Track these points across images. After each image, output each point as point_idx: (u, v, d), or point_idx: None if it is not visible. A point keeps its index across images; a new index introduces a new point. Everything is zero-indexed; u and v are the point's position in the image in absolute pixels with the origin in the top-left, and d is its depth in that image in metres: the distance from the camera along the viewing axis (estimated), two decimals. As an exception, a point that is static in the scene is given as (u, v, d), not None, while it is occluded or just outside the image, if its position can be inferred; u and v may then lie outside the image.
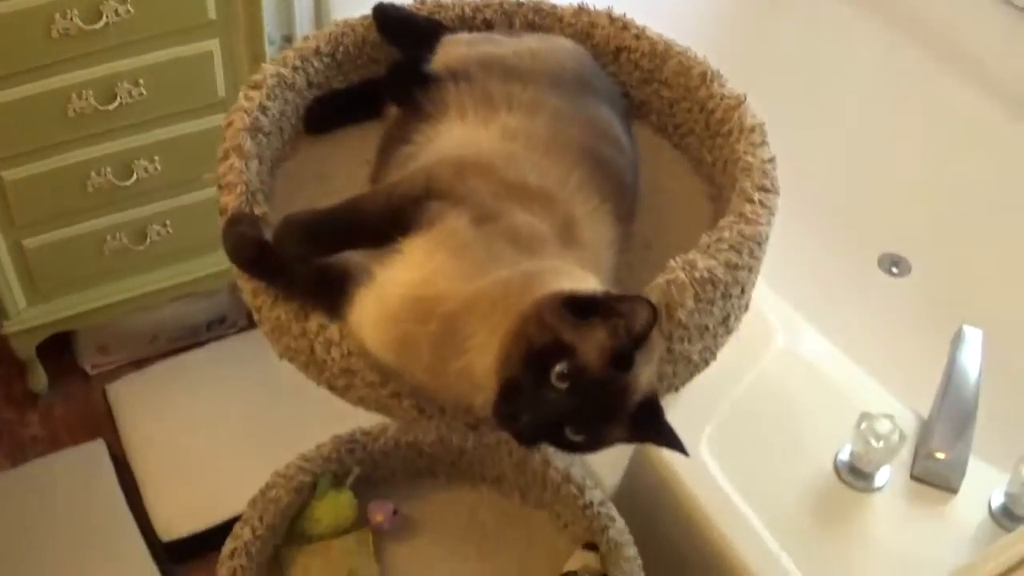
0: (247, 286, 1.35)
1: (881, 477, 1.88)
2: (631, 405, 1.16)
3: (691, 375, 1.38)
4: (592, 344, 1.13)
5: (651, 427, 1.21)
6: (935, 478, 1.88)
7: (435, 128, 1.42)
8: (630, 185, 1.45)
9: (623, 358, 1.14)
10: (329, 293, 1.28)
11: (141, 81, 2.25)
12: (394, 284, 1.22)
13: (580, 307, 1.14)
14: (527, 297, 1.15)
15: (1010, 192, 2.72)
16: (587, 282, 1.19)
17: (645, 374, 1.17)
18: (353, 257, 1.26)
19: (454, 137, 1.40)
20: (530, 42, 1.59)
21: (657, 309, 1.12)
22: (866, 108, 3.04)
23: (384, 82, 1.61)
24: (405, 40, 1.65)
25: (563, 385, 1.12)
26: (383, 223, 1.25)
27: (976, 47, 2.77)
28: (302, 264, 1.29)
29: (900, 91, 2.95)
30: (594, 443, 1.18)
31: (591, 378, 1.13)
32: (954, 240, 2.83)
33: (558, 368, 1.12)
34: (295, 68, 1.56)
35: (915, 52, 2.87)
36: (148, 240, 2.52)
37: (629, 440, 1.20)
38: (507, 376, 1.14)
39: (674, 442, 1.22)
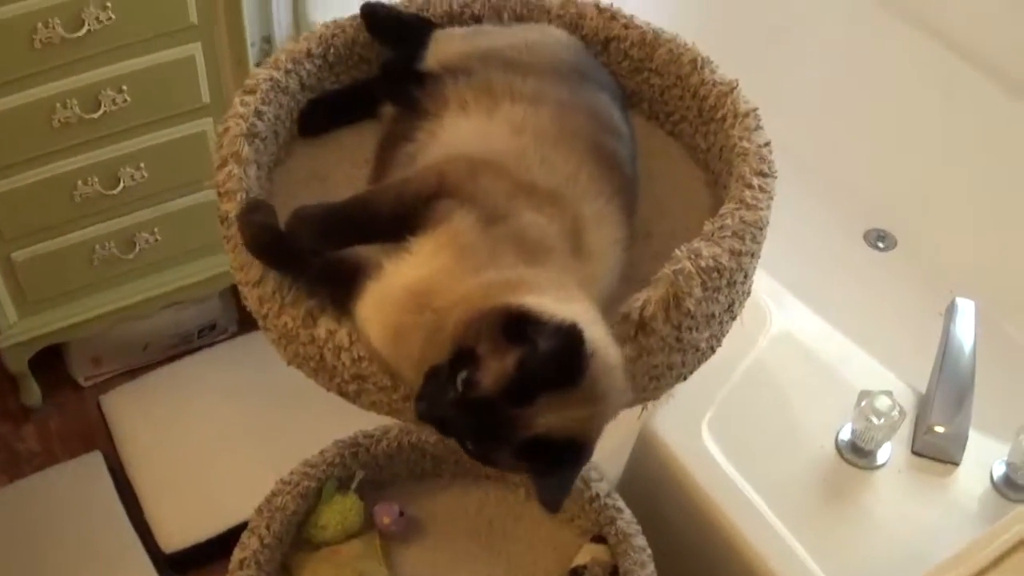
0: (252, 293, 1.35)
1: (883, 454, 1.89)
2: (518, 438, 1.13)
3: (699, 363, 1.39)
4: (496, 366, 1.12)
5: (541, 468, 1.18)
6: (936, 452, 1.89)
7: (437, 123, 1.42)
8: (632, 176, 1.46)
9: (519, 391, 1.12)
10: (341, 284, 1.29)
11: (125, 88, 2.24)
12: (399, 277, 1.23)
13: (515, 327, 1.13)
14: (495, 302, 1.15)
15: (992, 161, 2.74)
16: (571, 303, 1.18)
17: (552, 415, 1.13)
18: (366, 250, 1.27)
19: (460, 131, 1.40)
20: (524, 33, 1.60)
21: (585, 363, 1.11)
22: (842, 81, 3.05)
23: (378, 82, 1.61)
24: (394, 38, 1.65)
25: (459, 393, 1.13)
26: (393, 220, 1.26)
27: (957, 16, 2.77)
28: (316, 254, 1.30)
29: (880, 63, 2.96)
30: (480, 457, 1.18)
31: (477, 398, 1.12)
32: (938, 211, 2.84)
33: (461, 375, 1.12)
34: (287, 71, 1.55)
35: (896, 22, 2.88)
36: (137, 248, 2.51)
37: (519, 471, 1.20)
38: (432, 365, 1.15)
39: (549, 494, 1.20)
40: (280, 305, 1.31)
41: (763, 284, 2.11)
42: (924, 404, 1.94)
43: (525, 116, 1.39)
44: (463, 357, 1.13)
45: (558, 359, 1.10)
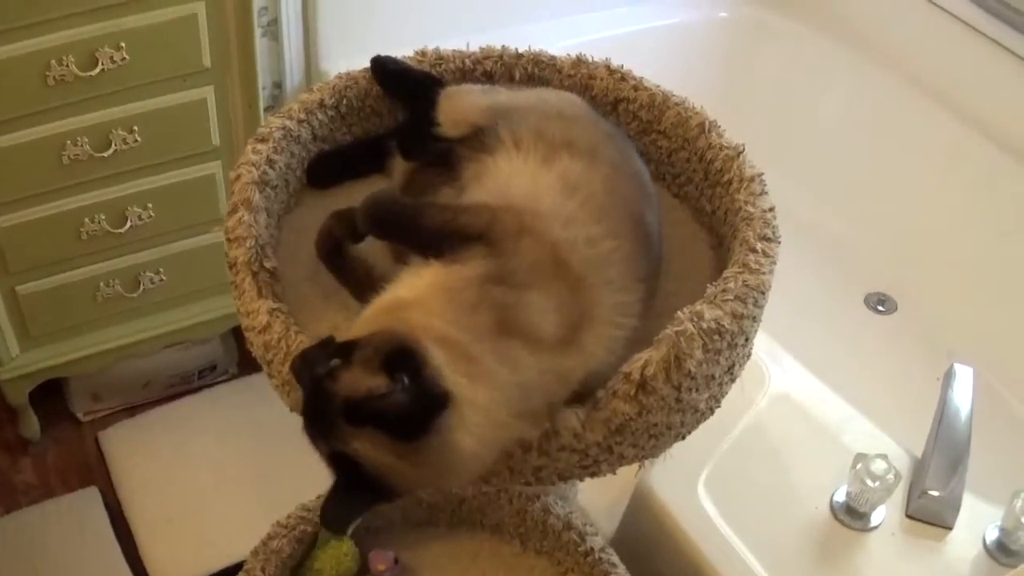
0: (258, 339, 1.36)
1: (877, 516, 1.89)
2: (333, 445, 1.18)
3: (698, 423, 1.40)
4: (355, 377, 1.17)
5: (340, 483, 1.22)
6: (930, 515, 1.89)
7: (484, 164, 1.44)
8: (659, 253, 1.46)
9: (355, 411, 1.16)
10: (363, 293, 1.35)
11: (136, 128, 2.26)
12: (391, 291, 1.29)
13: (397, 359, 1.17)
14: (409, 329, 1.21)
15: (993, 227, 2.76)
16: (477, 381, 1.20)
17: (372, 448, 1.16)
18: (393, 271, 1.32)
19: (513, 171, 1.42)
20: (546, 94, 1.62)
21: (422, 431, 1.15)
22: (849, 145, 3.07)
23: (398, 137, 1.63)
24: (403, 92, 1.67)
25: (321, 374, 1.18)
26: (432, 239, 1.31)
27: (961, 83, 2.80)
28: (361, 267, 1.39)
29: (884, 128, 2.98)
30: (307, 435, 1.22)
31: (326, 388, 1.17)
32: (939, 276, 2.86)
33: (334, 361, 1.18)
34: (300, 121, 1.58)
35: (899, 88, 2.90)
36: (141, 287, 2.52)
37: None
38: (332, 336, 1.22)
39: (334, 510, 1.24)
40: (285, 352, 1.32)
41: (762, 345, 2.12)
42: (919, 468, 1.95)
43: (581, 175, 1.40)
44: (349, 350, 1.18)
45: (403, 412, 1.15)
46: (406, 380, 1.15)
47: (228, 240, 1.41)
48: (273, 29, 2.58)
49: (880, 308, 2.92)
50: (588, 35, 2.83)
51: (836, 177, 3.09)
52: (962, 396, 2.01)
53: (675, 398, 1.28)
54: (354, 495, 1.22)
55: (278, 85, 2.68)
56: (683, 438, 1.39)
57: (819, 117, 3.13)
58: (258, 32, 2.49)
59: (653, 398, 1.25)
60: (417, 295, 1.25)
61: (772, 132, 3.13)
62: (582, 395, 1.29)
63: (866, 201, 3.03)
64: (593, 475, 1.33)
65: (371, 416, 1.15)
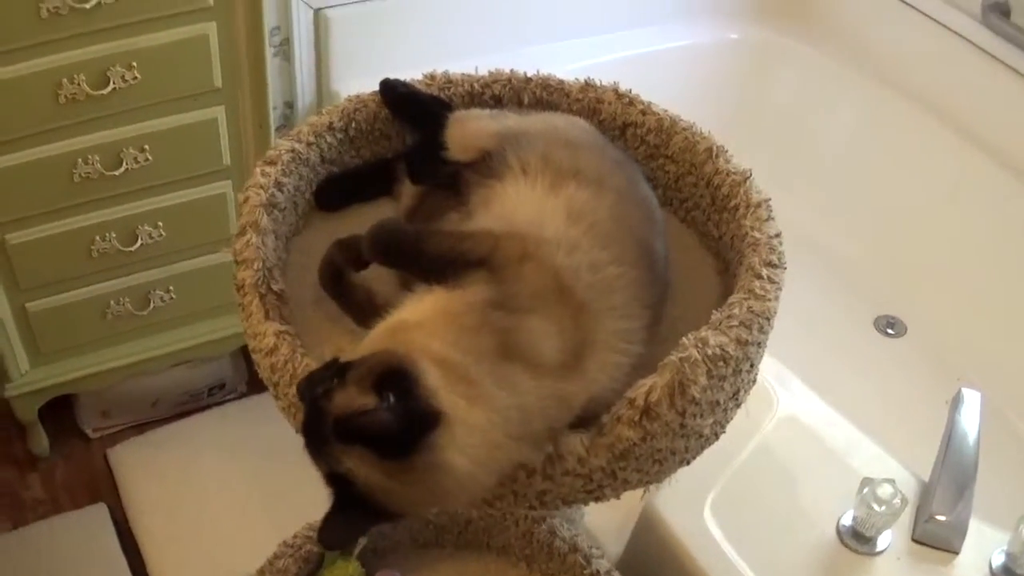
0: (265, 361, 1.37)
1: (883, 540, 1.88)
2: (328, 465, 1.20)
3: (702, 449, 1.40)
4: (348, 395, 1.18)
5: (336, 503, 1.24)
6: (936, 540, 1.89)
7: (492, 189, 1.45)
8: (665, 283, 1.47)
9: (344, 428, 1.17)
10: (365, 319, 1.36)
11: (147, 147, 2.27)
12: (394, 314, 1.29)
13: (389, 378, 1.18)
14: (403, 347, 1.22)
15: (1004, 251, 2.75)
16: (476, 402, 1.20)
17: (363, 467, 1.17)
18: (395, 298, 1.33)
19: (520, 198, 1.43)
20: (554, 119, 1.62)
21: (410, 449, 1.17)
22: (858, 168, 3.08)
23: (406, 161, 1.64)
24: (410, 116, 1.68)
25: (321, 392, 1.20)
26: (435, 265, 1.32)
27: (971, 106, 2.80)
28: (363, 294, 1.40)
29: (893, 151, 2.99)
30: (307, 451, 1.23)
31: (321, 407, 1.19)
32: (949, 300, 2.86)
33: (334, 381, 1.19)
34: (309, 144, 1.58)
35: (909, 111, 2.91)
36: (151, 305, 2.53)
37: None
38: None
39: (329, 530, 1.26)
40: (291, 374, 1.33)
41: (770, 368, 2.12)
42: (926, 492, 1.94)
43: (587, 203, 1.40)
44: (346, 370, 1.20)
45: (387, 430, 1.15)
46: (392, 399, 1.16)
47: (236, 262, 1.42)
48: (285, 49, 2.60)
49: (889, 331, 2.92)
50: (599, 57, 2.84)
51: (846, 199, 3.09)
52: (969, 420, 2.01)
53: (679, 424, 1.28)
54: (350, 515, 1.23)
55: (289, 105, 2.69)
56: (688, 463, 1.39)
57: (829, 139, 3.13)
58: (270, 52, 2.50)
59: (657, 424, 1.26)
60: (419, 318, 1.26)
61: (782, 154, 3.14)
62: (586, 420, 1.29)
63: (876, 224, 3.04)
64: (597, 500, 1.34)
65: (358, 433, 1.16)
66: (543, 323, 1.27)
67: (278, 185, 1.50)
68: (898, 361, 2.83)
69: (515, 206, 1.41)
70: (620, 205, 1.43)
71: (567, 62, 2.50)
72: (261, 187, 1.48)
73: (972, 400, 2.04)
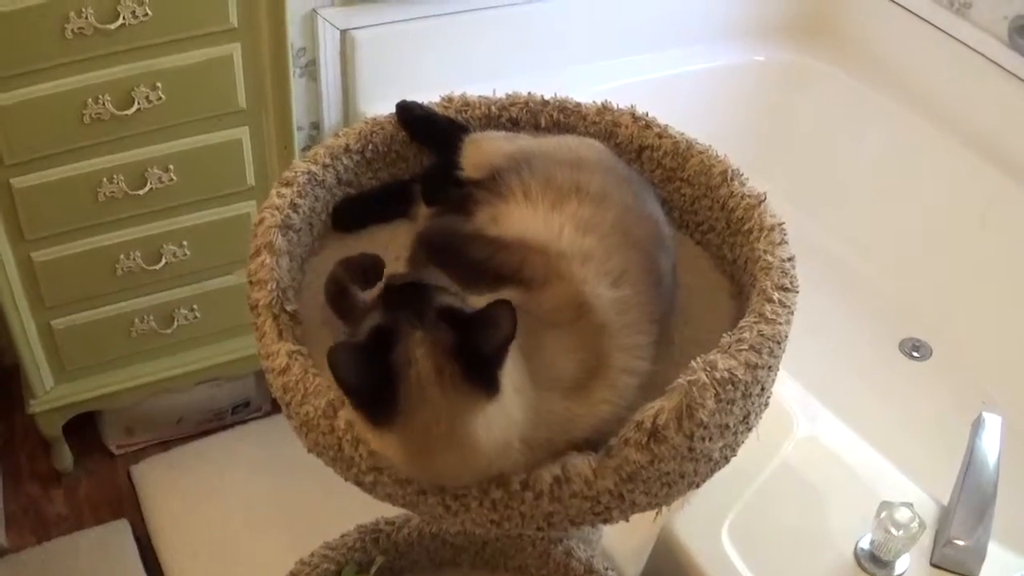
0: (278, 381, 1.38)
1: (901, 564, 1.87)
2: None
3: (712, 472, 1.40)
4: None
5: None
6: (955, 565, 1.87)
7: (501, 210, 1.47)
8: (672, 299, 1.48)
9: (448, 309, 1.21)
10: None
11: (171, 167, 2.29)
12: None
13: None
14: None
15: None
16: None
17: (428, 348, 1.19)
18: None
19: (525, 221, 1.44)
20: (567, 140, 1.63)
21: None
22: (885, 191, 3.07)
23: (421, 182, 1.65)
24: (427, 138, 1.69)
25: None
26: (472, 271, 1.36)
27: (999, 130, 2.80)
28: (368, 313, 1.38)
29: (921, 174, 2.98)
30: None
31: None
32: (975, 324, 2.84)
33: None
34: (325, 166, 1.60)
35: (937, 135, 2.90)
36: (175, 324, 2.55)
37: None
38: None
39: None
40: (303, 395, 1.34)
41: (789, 390, 2.12)
42: (945, 516, 1.93)
43: (591, 218, 1.42)
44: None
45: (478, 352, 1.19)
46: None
47: (250, 283, 1.43)
48: (311, 70, 2.62)
49: (915, 354, 2.90)
50: (624, 79, 2.85)
51: (873, 222, 3.08)
52: (990, 444, 1.99)
53: (687, 447, 1.28)
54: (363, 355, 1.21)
55: (316, 126, 2.71)
56: (697, 486, 1.39)
57: (856, 161, 3.12)
58: (296, 72, 2.53)
59: (665, 447, 1.26)
60: None
61: (809, 176, 3.14)
62: (594, 442, 1.29)
63: (903, 246, 3.03)
64: (606, 521, 1.33)
65: (457, 321, 1.19)
66: (563, 339, 1.30)
67: (293, 207, 1.51)
68: (923, 384, 2.82)
69: (520, 223, 1.43)
70: (625, 220, 1.44)
71: (594, 83, 2.52)
72: (276, 208, 1.50)
73: (993, 424, 2.03)
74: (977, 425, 2.04)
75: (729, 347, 1.32)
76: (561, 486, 1.26)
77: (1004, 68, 2.76)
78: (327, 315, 1.45)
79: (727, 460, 1.42)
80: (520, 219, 1.44)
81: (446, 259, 1.40)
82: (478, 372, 1.19)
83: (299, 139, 2.44)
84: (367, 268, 1.45)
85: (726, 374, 1.28)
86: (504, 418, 1.22)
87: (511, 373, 1.22)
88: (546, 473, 1.25)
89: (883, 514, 1.84)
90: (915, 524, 1.81)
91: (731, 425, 1.34)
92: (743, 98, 3.14)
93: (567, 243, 1.38)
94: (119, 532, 2.55)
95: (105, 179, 2.25)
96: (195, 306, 2.55)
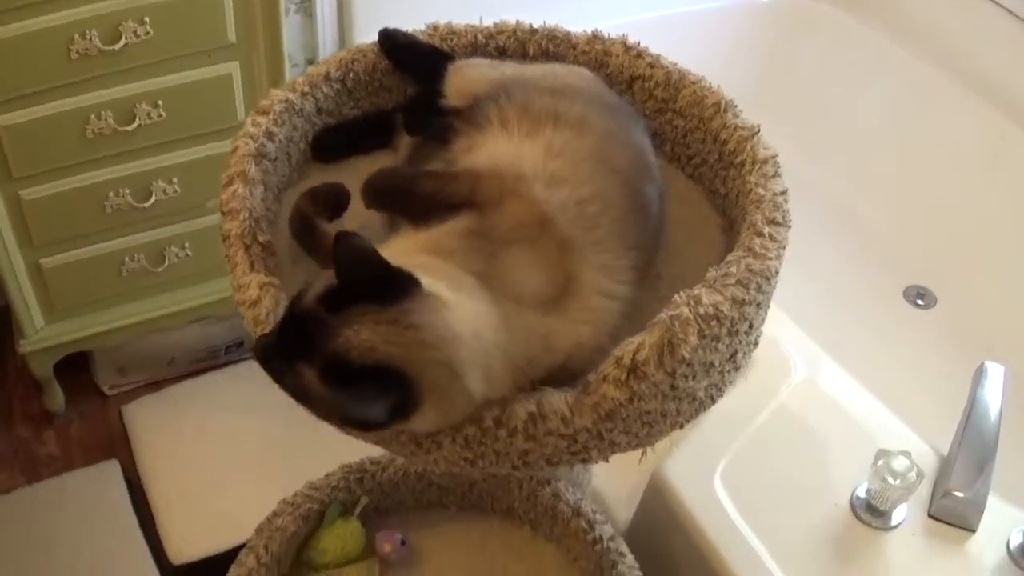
0: (248, 313, 1.35)
1: (898, 515, 1.84)
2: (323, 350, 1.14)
3: (697, 412, 1.35)
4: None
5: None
6: (953, 517, 1.84)
7: (478, 139, 1.43)
8: (657, 229, 1.44)
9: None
10: None
11: (160, 103, 2.26)
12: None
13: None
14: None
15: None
16: (459, 291, 1.19)
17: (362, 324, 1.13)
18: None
19: (498, 149, 1.40)
20: (554, 68, 1.59)
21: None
22: (893, 137, 3.03)
23: (403, 112, 1.61)
24: (410, 66, 1.65)
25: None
26: (423, 206, 1.31)
27: (1007, 77, 2.75)
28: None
29: (928, 120, 2.94)
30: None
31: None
32: (981, 273, 2.81)
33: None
34: (304, 94, 1.55)
35: (944, 80, 2.86)
36: (166, 262, 2.52)
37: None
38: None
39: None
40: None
41: (789, 334, 2.09)
42: (944, 467, 1.90)
43: (566, 144, 1.38)
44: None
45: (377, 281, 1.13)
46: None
47: (222, 213, 1.39)
48: (307, 5, 2.58)
49: (919, 302, 2.87)
50: (624, 16, 2.78)
51: (879, 169, 3.04)
52: (992, 395, 1.96)
53: (669, 385, 1.24)
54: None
55: (311, 62, 2.67)
56: (680, 427, 1.35)
57: (862, 108, 3.08)
58: (291, 8, 2.49)
59: (645, 384, 1.21)
60: (398, 252, 1.22)
61: (814, 122, 3.09)
62: (574, 377, 1.25)
63: (910, 194, 2.99)
64: (584, 461, 1.29)
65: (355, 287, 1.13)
66: (526, 254, 1.26)
67: (269, 135, 1.47)
68: (926, 332, 2.79)
69: (493, 152, 1.39)
70: (605, 147, 1.40)
71: (595, 20, 2.46)
72: (251, 137, 1.45)
73: (996, 374, 2.00)
74: (979, 374, 2.01)
75: (715, 281, 1.27)
76: (536, 423, 1.21)
77: (1017, 16, 2.71)
78: (298, 252, 1.41)
79: (713, 401, 1.37)
80: (494, 147, 1.40)
81: (392, 202, 1.37)
82: (382, 291, 1.14)
83: (293, 76, 2.39)
84: (331, 199, 1.41)
85: (711, 309, 1.23)
86: (457, 310, 1.17)
87: (441, 278, 1.18)
88: (520, 409, 1.21)
89: (880, 462, 1.81)
90: (913, 474, 1.78)
91: (716, 363, 1.29)
92: (746, 41, 3.10)
93: (530, 166, 1.34)
94: (109, 472, 2.53)
95: (93, 115, 2.22)
96: (186, 244, 2.52)
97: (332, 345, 1.13)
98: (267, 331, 1.24)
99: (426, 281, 1.16)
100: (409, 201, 1.33)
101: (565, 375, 1.25)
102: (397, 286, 1.14)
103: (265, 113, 1.49)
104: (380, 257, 1.13)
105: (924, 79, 2.90)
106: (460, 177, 1.35)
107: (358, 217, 1.42)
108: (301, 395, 1.20)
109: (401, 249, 1.24)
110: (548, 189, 1.31)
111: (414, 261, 1.19)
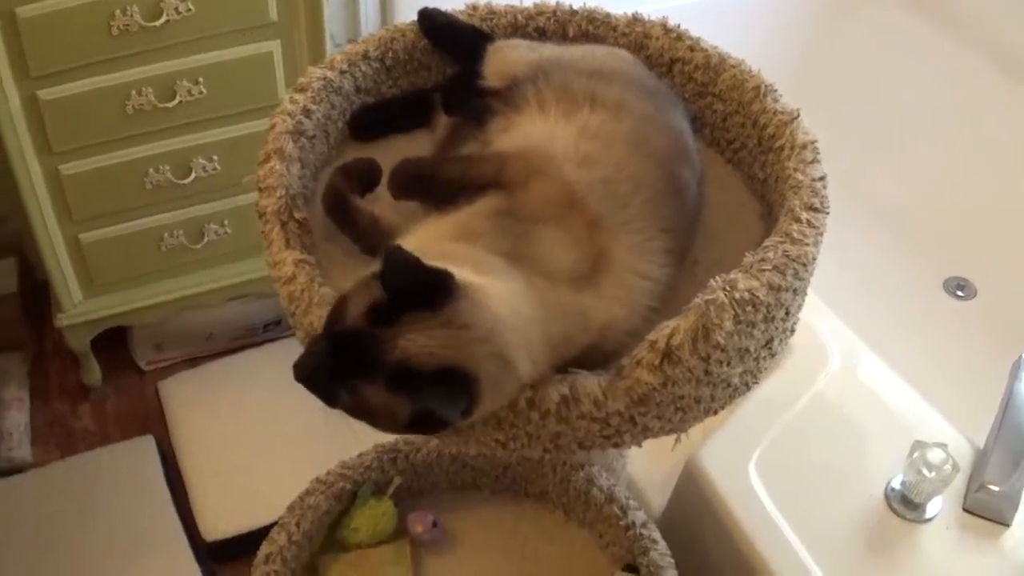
0: (284, 290, 1.35)
1: (932, 508, 1.82)
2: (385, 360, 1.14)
3: (731, 398, 1.35)
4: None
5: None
6: (987, 511, 1.83)
7: (514, 120, 1.43)
8: (695, 213, 1.43)
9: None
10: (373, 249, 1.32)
11: (201, 80, 2.26)
12: (404, 238, 1.27)
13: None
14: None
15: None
16: (487, 275, 1.18)
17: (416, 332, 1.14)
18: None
19: (535, 130, 1.40)
20: (594, 49, 1.58)
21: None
22: (934, 125, 3.00)
23: (441, 91, 1.61)
24: (449, 46, 1.65)
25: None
26: (449, 190, 1.31)
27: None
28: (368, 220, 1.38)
29: (970, 110, 2.92)
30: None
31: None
32: (1022, 264, 2.77)
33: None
34: (342, 72, 1.56)
35: (986, 69, 2.83)
36: (205, 239, 2.53)
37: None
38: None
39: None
40: (308, 304, 1.31)
41: (827, 323, 2.08)
42: (980, 460, 1.88)
43: (601, 126, 1.38)
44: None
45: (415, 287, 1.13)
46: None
47: (259, 190, 1.39)
48: (350, -16, 2.57)
49: (959, 293, 2.84)
50: (657, 3, 2.77)
51: (919, 157, 3.01)
52: (1030, 388, 1.94)
53: (703, 370, 1.23)
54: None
55: (353, 41, 2.66)
56: (715, 413, 1.34)
57: (901, 94, 3.05)
58: (333, -14, 2.48)
59: (679, 369, 1.20)
60: (425, 239, 1.23)
61: (852, 108, 3.06)
62: (607, 359, 1.25)
63: (951, 183, 2.96)
64: (616, 446, 1.29)
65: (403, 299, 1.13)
66: (555, 232, 1.26)
67: (306, 112, 1.47)
68: (966, 324, 2.76)
69: (529, 133, 1.39)
70: (642, 130, 1.40)
71: (636, 3, 2.45)
72: (288, 114, 1.46)
73: (1034, 367, 1.98)
74: (1017, 367, 1.99)
75: (751, 267, 1.26)
76: (569, 406, 1.21)
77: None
78: (331, 229, 1.41)
79: (748, 387, 1.36)
80: (530, 128, 1.40)
81: (419, 190, 1.37)
82: (430, 297, 1.14)
83: (331, 54, 2.40)
84: (363, 174, 1.41)
85: (746, 295, 1.22)
86: (493, 294, 1.17)
87: (469, 265, 1.18)
88: (553, 391, 1.21)
89: (916, 454, 1.79)
90: (948, 466, 1.77)
91: (752, 349, 1.29)
92: (784, 25, 3.07)
93: (561, 147, 1.34)
94: (143, 447, 2.54)
95: (134, 91, 2.22)
96: (225, 221, 2.52)
97: (393, 357, 1.13)
98: (311, 347, 1.23)
99: (457, 272, 1.16)
100: (434, 187, 1.34)
101: (598, 356, 1.25)
102: (441, 289, 1.14)
103: (303, 91, 1.49)
104: (422, 264, 1.13)
105: (966, 67, 2.87)
106: (485, 159, 1.36)
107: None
108: (360, 411, 1.20)
109: (428, 235, 1.25)
110: (579, 169, 1.31)
111: (441, 250, 1.19)
